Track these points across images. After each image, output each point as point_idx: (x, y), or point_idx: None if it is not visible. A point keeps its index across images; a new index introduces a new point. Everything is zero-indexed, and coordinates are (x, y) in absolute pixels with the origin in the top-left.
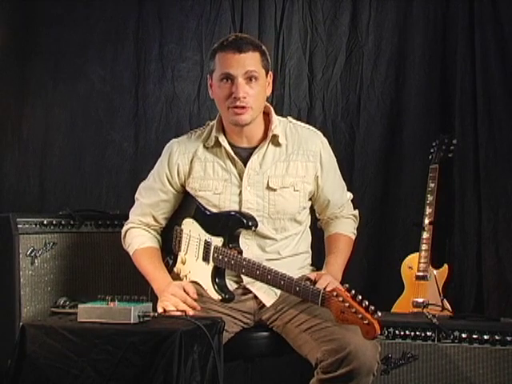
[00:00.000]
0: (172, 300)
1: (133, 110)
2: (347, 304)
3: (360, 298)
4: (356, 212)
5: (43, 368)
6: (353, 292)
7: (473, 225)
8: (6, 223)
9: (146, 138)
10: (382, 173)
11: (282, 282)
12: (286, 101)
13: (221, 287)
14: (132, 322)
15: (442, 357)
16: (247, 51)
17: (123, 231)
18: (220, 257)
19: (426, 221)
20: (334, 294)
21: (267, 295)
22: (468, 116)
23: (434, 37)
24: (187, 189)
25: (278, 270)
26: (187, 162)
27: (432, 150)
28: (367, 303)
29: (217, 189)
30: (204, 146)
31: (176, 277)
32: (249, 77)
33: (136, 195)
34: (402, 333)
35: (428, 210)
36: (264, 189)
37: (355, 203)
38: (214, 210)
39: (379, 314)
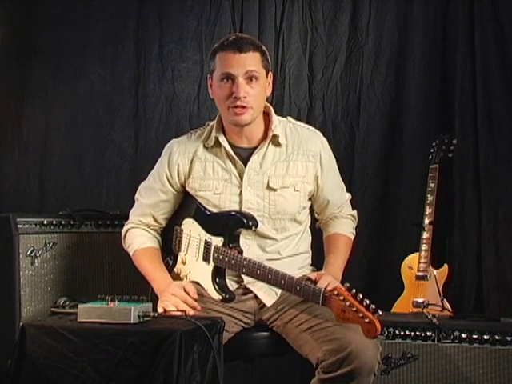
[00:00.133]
0: (172, 300)
1: (133, 110)
2: (348, 303)
3: (361, 296)
4: (354, 212)
5: (43, 368)
6: (353, 291)
7: (473, 225)
8: (6, 223)
9: (146, 138)
10: (381, 173)
11: (283, 282)
12: (286, 101)
13: (221, 287)
14: (132, 322)
15: (441, 357)
16: (248, 51)
17: (123, 231)
18: (220, 257)
19: (426, 221)
20: (335, 293)
21: (268, 295)
22: (468, 116)
23: (434, 37)
24: (187, 189)
25: (279, 269)
26: (187, 162)
27: (432, 150)
28: (368, 302)
29: (217, 189)
30: (204, 146)
31: (176, 277)
32: (249, 77)
33: (136, 195)
34: (402, 333)
35: (428, 210)
36: (264, 189)
37: (355, 203)
38: (214, 210)
39: (380, 312)
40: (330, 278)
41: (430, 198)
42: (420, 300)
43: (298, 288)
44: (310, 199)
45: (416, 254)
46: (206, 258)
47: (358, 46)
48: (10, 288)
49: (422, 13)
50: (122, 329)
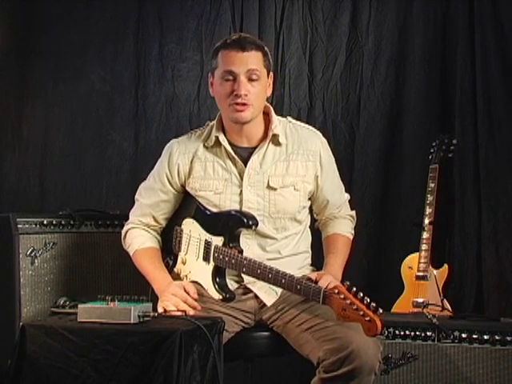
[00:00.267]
0: (172, 300)
1: (133, 110)
2: (349, 301)
3: (361, 295)
4: (353, 213)
5: (43, 368)
6: (354, 289)
7: (473, 225)
8: (6, 223)
9: (146, 138)
10: (381, 173)
11: (283, 281)
12: (286, 101)
13: (221, 287)
14: (132, 322)
15: (441, 357)
16: (250, 50)
17: (123, 232)
18: (221, 256)
19: (426, 221)
20: (336, 291)
21: (268, 295)
22: (468, 116)
23: (434, 37)
24: (187, 189)
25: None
26: (187, 162)
27: (432, 150)
28: (368, 300)
29: (217, 188)
30: (204, 145)
31: (176, 277)
32: (251, 75)
33: (136, 196)
34: (402, 333)
35: (428, 210)
36: (264, 188)
37: (355, 203)
38: (215, 210)
39: (381, 311)
40: (331, 278)
41: (430, 198)
42: (420, 300)
43: (298, 287)
44: (309, 199)
45: (416, 254)
46: (206, 258)
47: (358, 46)
48: (10, 288)
49: (421, 13)
50: (122, 329)
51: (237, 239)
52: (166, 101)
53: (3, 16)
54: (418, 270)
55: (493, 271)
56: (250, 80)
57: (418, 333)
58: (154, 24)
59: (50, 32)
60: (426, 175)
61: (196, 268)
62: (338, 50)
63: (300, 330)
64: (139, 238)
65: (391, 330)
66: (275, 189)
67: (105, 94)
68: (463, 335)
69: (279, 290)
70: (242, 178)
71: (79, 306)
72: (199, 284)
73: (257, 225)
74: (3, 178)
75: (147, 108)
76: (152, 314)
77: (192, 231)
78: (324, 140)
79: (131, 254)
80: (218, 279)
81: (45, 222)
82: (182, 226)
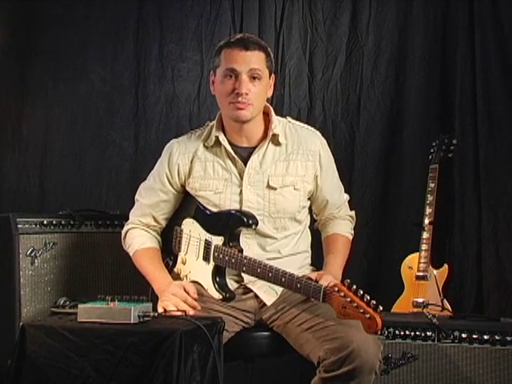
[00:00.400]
0: (172, 300)
1: (133, 110)
2: (349, 299)
3: (361, 292)
4: (353, 213)
5: (43, 368)
6: (354, 287)
7: (473, 225)
8: (6, 223)
9: (146, 138)
10: (381, 173)
11: (283, 279)
12: (286, 101)
13: (221, 286)
14: (132, 322)
15: (441, 357)
16: (253, 49)
17: (123, 232)
18: (221, 256)
19: (426, 221)
20: (336, 289)
21: (268, 294)
22: (468, 116)
23: (434, 37)
24: (187, 189)
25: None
26: (187, 162)
27: (432, 150)
28: (368, 298)
29: (217, 188)
30: (204, 145)
31: (176, 277)
32: (252, 74)
33: (136, 196)
34: (402, 333)
35: (428, 210)
36: (264, 188)
37: (355, 203)
38: (215, 210)
39: (381, 308)
40: (331, 278)
41: (430, 198)
42: (420, 300)
43: (298, 285)
44: (309, 199)
45: (416, 254)
46: (206, 258)
47: (358, 46)
48: (10, 288)
49: (421, 13)
50: (122, 329)
51: (237, 239)
52: (166, 101)
53: (3, 16)
54: (418, 270)
55: (493, 271)
56: (252, 79)
57: (418, 333)
58: (153, 24)
59: (50, 32)
60: (426, 175)
61: (196, 268)
62: (338, 50)
63: (300, 329)
64: (139, 238)
65: (391, 329)
66: (275, 188)
67: (105, 94)
68: (463, 335)
69: (279, 290)
70: (241, 178)
71: (79, 305)
72: (199, 284)
73: (257, 224)
74: (3, 178)
75: (147, 108)
76: (152, 313)
77: (192, 231)
78: (324, 140)
79: (131, 254)
80: (218, 279)
81: (45, 222)
82: (182, 226)
